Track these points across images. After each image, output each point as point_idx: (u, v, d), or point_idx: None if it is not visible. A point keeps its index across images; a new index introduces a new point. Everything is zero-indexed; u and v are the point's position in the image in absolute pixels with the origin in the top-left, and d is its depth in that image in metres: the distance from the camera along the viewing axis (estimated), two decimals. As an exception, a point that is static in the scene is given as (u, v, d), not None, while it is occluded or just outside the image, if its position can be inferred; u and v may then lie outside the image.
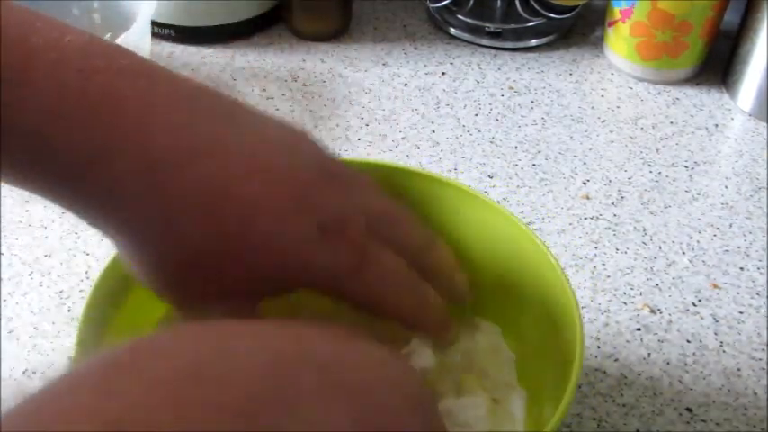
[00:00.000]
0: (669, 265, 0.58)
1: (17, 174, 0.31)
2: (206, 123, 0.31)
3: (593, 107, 0.72)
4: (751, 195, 0.64)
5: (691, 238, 0.60)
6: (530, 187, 0.63)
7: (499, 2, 0.78)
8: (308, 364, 0.26)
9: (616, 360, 0.52)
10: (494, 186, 0.63)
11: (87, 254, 0.56)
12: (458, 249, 0.45)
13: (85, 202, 0.31)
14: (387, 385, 0.28)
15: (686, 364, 0.52)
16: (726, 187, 0.65)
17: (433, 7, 0.79)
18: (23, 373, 0.49)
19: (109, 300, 0.41)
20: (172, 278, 0.32)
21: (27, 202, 0.59)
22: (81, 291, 0.54)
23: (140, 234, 0.31)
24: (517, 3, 0.76)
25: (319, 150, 0.35)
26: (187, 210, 0.30)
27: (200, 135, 0.31)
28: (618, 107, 0.72)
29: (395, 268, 0.35)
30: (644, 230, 0.61)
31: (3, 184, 0.61)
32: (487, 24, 0.77)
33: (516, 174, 0.65)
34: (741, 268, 0.58)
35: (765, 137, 0.69)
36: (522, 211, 0.61)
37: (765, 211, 0.63)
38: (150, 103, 0.30)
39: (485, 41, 0.77)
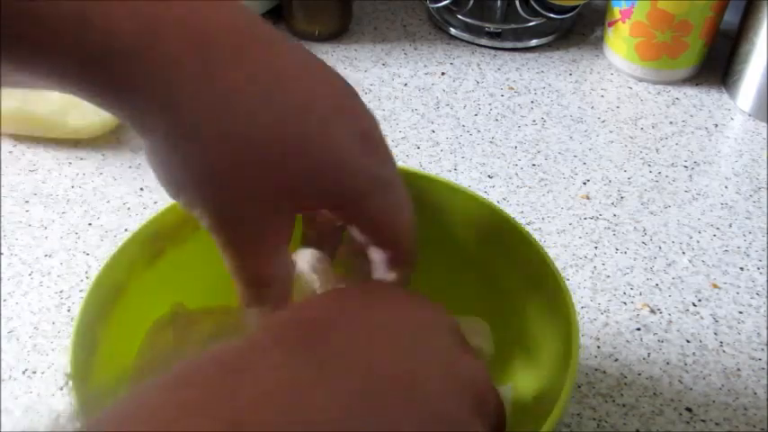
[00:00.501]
0: (669, 264, 0.58)
1: (46, 63, 0.29)
2: (260, 24, 0.32)
3: (592, 107, 0.72)
4: (751, 195, 0.64)
5: (690, 237, 0.60)
6: (529, 187, 0.63)
7: (499, 2, 0.78)
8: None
9: (616, 360, 0.52)
10: (493, 186, 0.63)
11: (87, 254, 0.56)
12: (447, 246, 0.45)
13: (131, 88, 0.29)
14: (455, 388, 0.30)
15: (686, 364, 0.52)
16: (725, 187, 0.65)
17: (432, 7, 0.79)
18: (23, 373, 0.49)
19: (100, 310, 0.40)
20: (210, 174, 0.31)
21: (27, 202, 0.60)
22: (81, 291, 0.54)
23: (187, 121, 0.30)
24: (517, 3, 0.76)
25: (364, 110, 0.36)
26: (241, 96, 0.30)
27: (255, 30, 0.31)
28: (618, 107, 0.72)
29: (407, 198, 0.37)
30: (644, 230, 0.61)
31: (3, 185, 0.61)
32: (487, 24, 0.77)
33: (516, 174, 0.65)
34: (741, 268, 0.58)
35: (765, 137, 0.69)
36: (522, 211, 0.61)
37: (765, 211, 0.63)
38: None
39: (484, 41, 0.77)
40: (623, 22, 0.72)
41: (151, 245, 0.43)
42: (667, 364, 0.52)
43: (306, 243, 0.42)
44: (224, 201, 0.32)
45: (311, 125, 0.32)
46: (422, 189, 0.46)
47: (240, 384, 0.25)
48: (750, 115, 0.71)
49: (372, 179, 0.34)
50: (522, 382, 0.45)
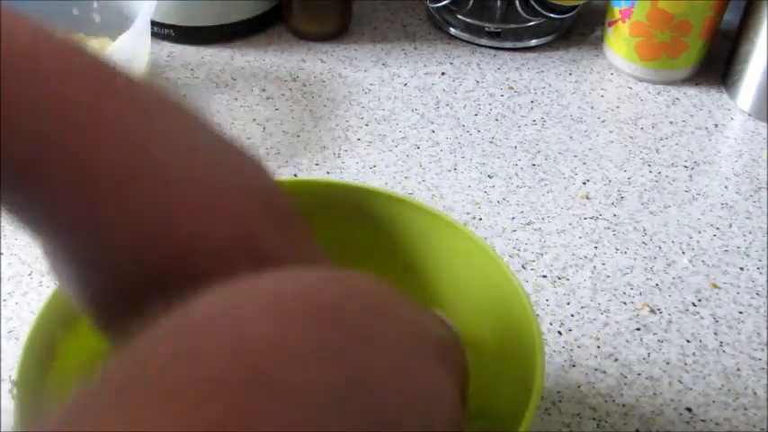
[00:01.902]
0: (669, 264, 0.58)
1: None
2: (157, 141, 0.30)
3: (592, 107, 0.72)
4: (751, 195, 0.64)
5: (690, 237, 0.60)
6: (529, 187, 0.63)
7: (499, 2, 0.78)
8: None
9: (616, 360, 0.52)
10: (493, 186, 0.63)
11: (87, 254, 0.56)
12: (414, 268, 0.44)
13: (21, 205, 0.28)
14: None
15: (686, 364, 0.52)
16: (725, 187, 0.65)
17: (432, 7, 0.79)
18: (23, 373, 0.49)
19: (63, 315, 0.39)
20: (95, 294, 0.30)
21: (27, 202, 0.59)
22: (81, 291, 0.54)
23: (69, 248, 0.29)
24: (517, 3, 0.76)
25: (268, 183, 0.33)
26: (121, 233, 0.28)
27: (147, 153, 0.29)
28: (617, 107, 0.72)
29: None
30: (644, 230, 0.61)
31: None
32: (487, 24, 0.77)
33: (516, 174, 0.65)
34: (741, 268, 0.58)
35: (765, 137, 0.69)
36: (522, 211, 0.61)
37: (765, 211, 0.63)
38: (100, 112, 0.28)
39: (484, 41, 0.77)
40: (623, 22, 0.72)
41: None
42: (667, 364, 0.52)
43: None
44: (103, 319, 0.31)
45: (192, 279, 0.29)
46: (394, 213, 0.45)
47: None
48: (750, 115, 0.71)
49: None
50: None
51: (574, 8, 0.76)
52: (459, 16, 0.78)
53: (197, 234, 0.29)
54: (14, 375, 0.36)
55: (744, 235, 0.61)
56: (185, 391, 0.21)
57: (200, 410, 0.21)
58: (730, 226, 0.61)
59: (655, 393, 0.50)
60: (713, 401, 0.50)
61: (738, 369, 0.52)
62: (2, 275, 0.55)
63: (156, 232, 0.29)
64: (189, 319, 0.24)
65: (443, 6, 0.78)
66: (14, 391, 0.36)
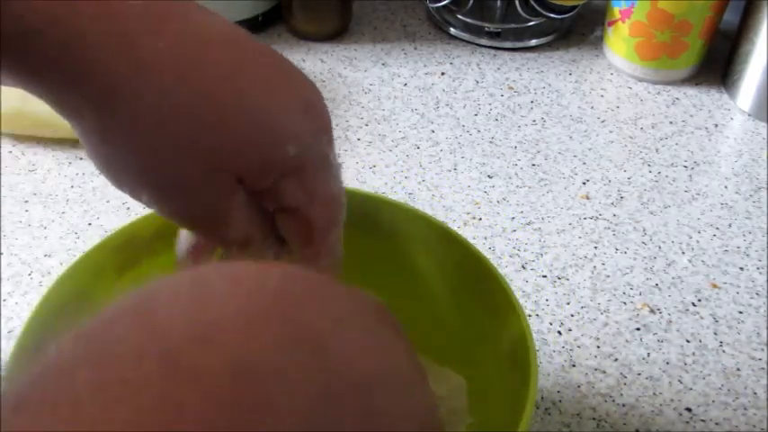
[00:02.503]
0: (669, 264, 0.58)
1: None
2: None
3: (592, 107, 0.72)
4: (750, 195, 0.64)
5: (690, 237, 0.60)
6: (529, 187, 0.63)
7: (499, 2, 0.78)
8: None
9: (616, 360, 0.52)
10: (493, 186, 0.63)
11: (87, 254, 0.56)
12: (409, 272, 0.44)
13: (46, 67, 0.28)
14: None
15: (686, 364, 0.52)
16: (725, 187, 0.65)
17: (432, 7, 0.79)
18: (23, 373, 0.49)
19: (57, 312, 0.39)
20: (140, 150, 0.30)
21: (27, 202, 0.60)
22: (81, 291, 0.54)
23: (108, 95, 0.29)
24: (517, 3, 0.76)
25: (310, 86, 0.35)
26: (165, 63, 0.29)
27: (174, 3, 0.30)
28: (617, 107, 0.72)
29: (340, 182, 0.36)
30: (643, 230, 0.61)
31: (2, 184, 0.62)
32: (487, 24, 0.77)
33: (516, 174, 0.65)
34: (741, 268, 0.58)
35: (765, 137, 0.69)
36: (522, 211, 0.61)
37: (765, 211, 0.63)
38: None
39: (484, 41, 0.77)
40: (623, 22, 0.72)
41: (122, 254, 0.41)
42: (667, 363, 0.52)
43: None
44: (165, 185, 0.31)
45: (244, 93, 0.30)
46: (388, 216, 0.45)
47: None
48: (750, 115, 0.71)
49: (310, 150, 0.32)
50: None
51: (574, 8, 0.76)
52: (459, 16, 0.78)
53: (236, 59, 0.30)
54: (3, 371, 0.36)
55: (744, 235, 0.61)
56: (92, 397, 0.19)
57: (111, 413, 0.18)
58: (730, 226, 0.61)
59: (654, 393, 0.50)
60: (713, 401, 0.50)
61: (738, 369, 0.52)
62: (2, 275, 0.55)
63: (196, 55, 0.29)
64: (97, 318, 0.21)
65: (443, 6, 0.78)
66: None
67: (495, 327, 0.41)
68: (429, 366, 0.45)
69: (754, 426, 0.49)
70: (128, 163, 0.30)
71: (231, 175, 0.31)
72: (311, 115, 0.32)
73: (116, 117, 0.29)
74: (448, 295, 0.45)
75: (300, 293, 0.23)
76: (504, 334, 0.40)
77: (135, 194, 0.31)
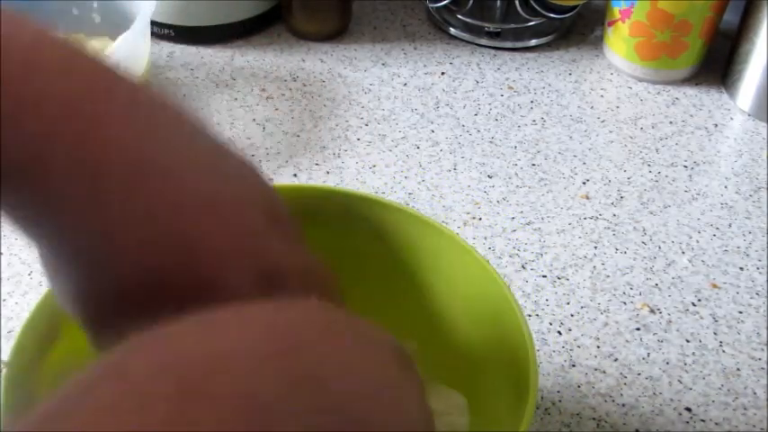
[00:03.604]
0: (669, 264, 0.58)
1: None
2: (161, 143, 0.29)
3: (592, 107, 0.72)
4: (750, 195, 0.64)
5: (690, 237, 0.60)
6: (529, 187, 0.63)
7: (499, 2, 0.78)
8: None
9: (615, 360, 0.52)
10: (493, 186, 0.63)
11: (87, 254, 0.56)
12: (415, 280, 0.44)
13: (21, 203, 0.29)
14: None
15: (686, 364, 0.52)
16: (725, 187, 0.65)
17: (432, 7, 0.79)
18: (23, 372, 0.49)
19: (39, 341, 0.39)
20: (92, 299, 0.30)
21: (27, 201, 0.59)
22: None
23: (70, 248, 0.29)
24: (516, 3, 0.76)
25: (269, 190, 0.33)
26: (126, 234, 0.28)
27: (152, 155, 0.29)
28: (617, 107, 0.72)
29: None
30: (643, 230, 0.61)
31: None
32: (487, 24, 0.77)
33: (516, 173, 0.65)
34: (741, 268, 0.58)
35: (765, 137, 0.69)
36: (522, 211, 0.61)
37: (765, 210, 0.63)
38: (104, 112, 0.28)
39: (484, 41, 0.77)
40: (623, 22, 0.72)
41: None
42: (667, 363, 0.52)
43: None
44: (99, 323, 0.30)
45: (200, 267, 0.29)
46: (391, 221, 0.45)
47: (191, 414, 0.21)
48: (750, 115, 0.71)
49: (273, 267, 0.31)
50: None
51: (574, 8, 0.76)
52: (459, 16, 0.78)
53: (202, 234, 0.29)
54: (7, 356, 0.36)
55: (744, 235, 0.61)
56: (109, 407, 0.21)
57: (124, 422, 0.20)
58: (730, 226, 0.61)
59: (654, 393, 0.50)
60: (713, 401, 0.50)
61: (738, 369, 0.52)
62: (2, 275, 0.55)
63: (160, 230, 0.29)
64: (122, 345, 0.24)
65: (443, 6, 0.78)
66: (3, 371, 0.36)
67: (497, 341, 0.41)
68: (429, 383, 0.45)
69: (754, 426, 0.49)
70: (70, 298, 0.31)
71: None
72: (277, 284, 0.31)
73: (72, 262, 0.30)
74: (452, 307, 0.45)
75: (311, 334, 0.25)
76: (505, 349, 0.40)
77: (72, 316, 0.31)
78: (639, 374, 0.51)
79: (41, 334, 0.38)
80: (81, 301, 0.30)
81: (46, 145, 0.27)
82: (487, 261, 0.42)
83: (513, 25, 0.78)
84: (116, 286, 0.29)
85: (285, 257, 0.32)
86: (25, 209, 0.29)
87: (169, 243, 0.29)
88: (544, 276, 0.57)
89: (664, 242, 0.60)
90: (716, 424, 0.49)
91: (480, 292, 0.42)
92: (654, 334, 0.54)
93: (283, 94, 0.71)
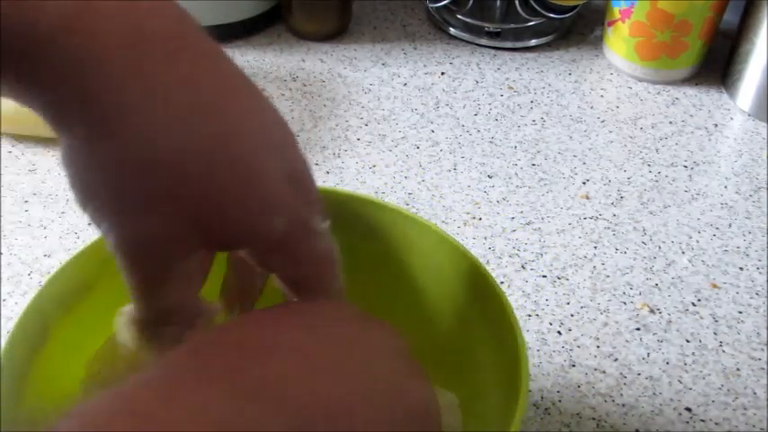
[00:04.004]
0: (668, 264, 0.58)
1: None
2: (197, 36, 0.30)
3: (592, 107, 0.72)
4: (750, 195, 0.64)
5: (690, 237, 0.60)
6: (529, 187, 0.63)
7: (498, 2, 0.78)
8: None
9: (615, 360, 0.52)
10: (493, 186, 0.63)
11: (87, 254, 0.56)
12: (406, 279, 0.44)
13: (45, 77, 0.27)
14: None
15: (686, 364, 0.52)
16: (725, 187, 0.65)
17: (432, 7, 0.79)
18: (23, 372, 0.49)
19: (29, 344, 0.38)
20: (120, 184, 0.29)
21: (27, 202, 0.60)
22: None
23: (105, 120, 0.28)
24: (516, 3, 0.76)
25: (295, 152, 0.35)
26: (169, 109, 0.28)
27: (191, 39, 0.29)
28: (617, 107, 0.72)
29: (335, 250, 0.35)
30: (643, 230, 0.61)
31: (2, 184, 0.62)
32: (487, 24, 0.77)
33: (516, 173, 0.65)
34: (740, 268, 0.58)
35: (765, 137, 0.69)
36: (522, 211, 0.61)
37: (765, 211, 0.63)
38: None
39: (484, 41, 0.77)
40: (623, 22, 0.72)
41: (86, 274, 0.41)
42: (667, 363, 0.52)
43: (225, 291, 0.39)
44: (131, 217, 0.29)
45: (239, 152, 0.29)
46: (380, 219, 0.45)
47: None
48: (750, 115, 0.71)
49: (297, 222, 0.32)
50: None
51: (574, 8, 0.76)
52: (459, 16, 0.78)
53: (241, 113, 0.30)
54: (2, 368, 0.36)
55: (743, 235, 0.61)
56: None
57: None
58: (730, 226, 0.61)
59: (654, 393, 0.50)
60: (713, 401, 0.50)
61: (738, 369, 0.52)
62: (2, 275, 0.55)
63: (205, 103, 0.29)
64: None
65: (443, 6, 0.78)
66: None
67: (490, 341, 0.41)
68: None
69: (754, 426, 0.49)
70: (103, 186, 0.29)
71: (200, 236, 0.30)
72: (299, 186, 0.32)
73: (108, 142, 0.28)
74: (444, 306, 0.45)
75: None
76: (498, 348, 0.40)
77: (95, 219, 0.30)
78: (639, 374, 0.51)
79: (32, 335, 0.38)
80: (110, 189, 0.29)
81: (85, 10, 0.26)
82: (476, 258, 0.42)
83: (513, 25, 0.78)
84: (151, 163, 0.28)
85: (308, 170, 0.34)
86: (68, 83, 0.27)
87: (213, 120, 0.29)
88: (544, 276, 0.57)
89: (664, 242, 0.60)
90: (716, 424, 0.49)
91: (471, 290, 0.42)
92: (654, 334, 0.54)
93: (283, 94, 0.71)
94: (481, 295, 0.41)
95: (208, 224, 0.30)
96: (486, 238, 0.59)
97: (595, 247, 0.59)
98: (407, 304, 0.45)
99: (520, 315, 0.54)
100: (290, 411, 0.26)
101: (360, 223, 0.44)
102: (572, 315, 0.54)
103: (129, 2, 0.27)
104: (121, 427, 0.23)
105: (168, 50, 0.28)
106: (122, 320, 0.35)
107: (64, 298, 0.40)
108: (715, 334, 0.54)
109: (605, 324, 0.54)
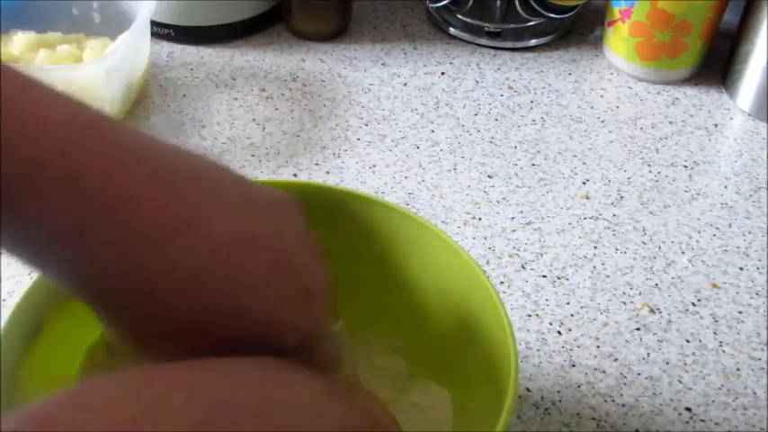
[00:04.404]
0: (668, 264, 0.58)
1: None
2: (188, 195, 0.31)
3: (592, 107, 0.72)
4: (750, 195, 0.64)
5: (690, 237, 0.60)
6: (529, 187, 0.63)
7: (498, 2, 0.78)
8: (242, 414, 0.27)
9: (615, 360, 0.52)
10: (493, 186, 0.63)
11: (87, 254, 0.56)
12: (399, 275, 0.45)
13: (65, 273, 0.30)
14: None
15: (686, 364, 0.52)
16: (725, 187, 0.65)
17: (432, 7, 0.79)
18: (23, 372, 0.49)
19: (22, 340, 0.39)
20: (146, 347, 0.31)
21: (26, 201, 0.59)
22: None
23: (118, 305, 0.30)
24: (516, 2, 0.76)
25: (298, 215, 0.35)
26: (170, 284, 0.30)
27: (182, 208, 0.30)
28: (617, 107, 0.72)
29: (342, 351, 0.36)
30: (643, 230, 0.61)
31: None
32: (487, 24, 0.77)
33: (516, 173, 0.65)
34: (740, 268, 0.58)
35: (765, 137, 0.69)
36: (522, 211, 0.61)
37: (765, 211, 0.63)
38: (133, 176, 0.29)
39: (484, 41, 0.77)
40: (623, 22, 0.72)
41: None
42: (667, 363, 0.52)
43: None
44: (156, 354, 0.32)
45: (246, 300, 0.31)
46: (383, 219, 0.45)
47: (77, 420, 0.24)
48: (750, 115, 0.71)
49: (308, 338, 0.33)
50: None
51: (574, 8, 0.76)
52: (459, 16, 0.78)
53: (240, 265, 0.31)
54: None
55: (743, 235, 0.61)
56: None
57: None
58: (730, 226, 0.61)
59: (654, 393, 0.50)
60: (713, 401, 0.50)
61: (738, 369, 0.52)
62: (2, 275, 0.54)
63: (203, 268, 0.30)
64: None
65: (443, 6, 0.78)
66: None
67: (480, 336, 0.41)
68: (414, 378, 0.45)
69: (754, 426, 0.49)
70: (132, 345, 0.32)
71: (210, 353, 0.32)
72: (311, 304, 0.33)
73: (123, 318, 0.31)
74: (439, 305, 0.45)
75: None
76: (488, 344, 0.40)
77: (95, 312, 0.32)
78: (639, 374, 0.51)
79: (26, 328, 0.39)
80: (134, 344, 0.31)
81: (82, 215, 0.28)
82: (469, 254, 0.42)
83: (513, 25, 0.78)
84: (166, 329, 0.30)
85: (317, 273, 0.33)
86: (73, 280, 0.30)
87: (212, 283, 0.30)
88: (544, 276, 0.57)
89: (664, 242, 0.60)
90: (716, 424, 0.49)
91: (463, 287, 0.43)
92: (654, 334, 0.54)
93: (283, 94, 0.71)
94: (474, 293, 0.42)
95: (219, 350, 0.31)
96: (486, 238, 0.59)
97: (595, 247, 0.59)
98: (404, 302, 0.46)
99: (520, 315, 0.54)
100: (201, 407, 0.27)
101: (349, 221, 0.45)
102: (572, 315, 0.54)
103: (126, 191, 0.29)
104: (60, 410, 0.25)
105: (163, 233, 0.30)
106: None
107: (55, 295, 0.40)
108: (715, 334, 0.54)
109: (605, 324, 0.54)
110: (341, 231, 0.44)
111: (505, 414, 0.35)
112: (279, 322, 0.32)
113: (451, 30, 0.78)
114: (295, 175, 0.63)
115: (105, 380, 0.28)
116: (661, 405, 0.50)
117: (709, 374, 0.52)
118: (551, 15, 0.76)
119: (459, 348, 0.44)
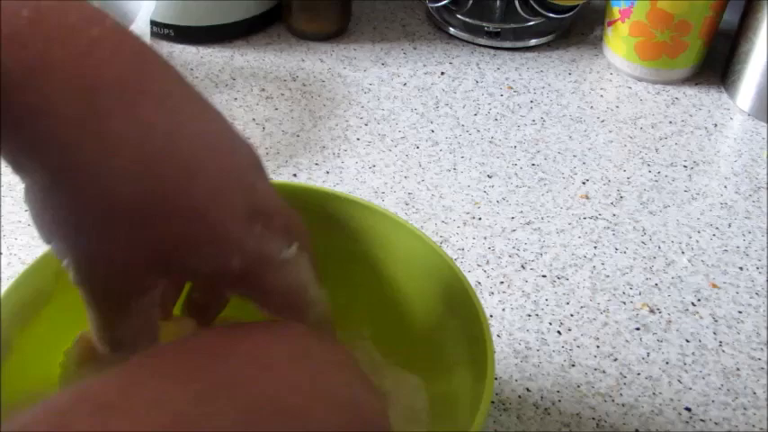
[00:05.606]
0: (668, 264, 0.58)
1: None
2: (155, 78, 0.31)
3: (592, 107, 0.72)
4: (750, 195, 0.64)
5: (690, 237, 0.60)
6: (529, 187, 0.63)
7: (498, 1, 0.78)
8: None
9: (615, 360, 0.52)
10: (493, 186, 0.63)
11: (87, 254, 0.56)
12: (370, 267, 0.45)
13: (15, 136, 0.28)
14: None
15: (685, 364, 0.52)
16: (725, 187, 0.65)
17: (432, 7, 0.79)
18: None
19: (19, 314, 0.39)
20: (80, 225, 0.30)
21: (26, 201, 0.59)
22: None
23: (63, 169, 0.29)
24: (516, 2, 0.76)
25: (252, 149, 0.35)
26: (124, 157, 0.29)
27: (147, 84, 0.30)
28: (617, 107, 0.72)
29: (308, 276, 0.35)
30: (643, 230, 0.61)
31: (2, 184, 0.61)
32: (486, 24, 0.77)
33: (515, 173, 0.65)
34: (740, 268, 0.58)
35: (765, 136, 0.69)
36: (522, 211, 0.61)
37: (765, 210, 0.63)
38: (101, 39, 0.29)
39: (484, 41, 0.77)
40: (623, 22, 0.72)
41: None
42: (666, 363, 0.52)
43: (190, 307, 0.40)
44: (89, 258, 0.31)
45: (195, 193, 0.30)
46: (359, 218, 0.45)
47: (110, 425, 0.24)
48: (749, 115, 0.71)
49: (254, 259, 0.32)
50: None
51: (573, 8, 0.76)
52: (459, 16, 0.78)
53: (198, 156, 0.30)
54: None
55: (743, 235, 0.61)
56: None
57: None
58: (729, 226, 0.61)
59: (654, 393, 0.50)
60: (713, 401, 0.50)
61: (738, 369, 0.52)
62: (2, 275, 0.55)
63: (159, 147, 0.29)
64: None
65: (443, 6, 0.78)
66: None
67: (457, 327, 0.42)
68: (385, 368, 0.45)
69: (754, 426, 0.49)
70: (61, 227, 0.30)
71: (158, 274, 0.31)
72: (260, 217, 0.32)
73: (68, 188, 0.29)
74: (413, 296, 0.45)
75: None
76: (461, 324, 0.41)
77: (57, 255, 0.31)
78: (639, 374, 0.51)
79: (23, 304, 0.40)
80: (70, 230, 0.30)
81: (45, 59, 0.27)
82: (437, 243, 0.43)
83: (512, 25, 0.78)
84: (113, 206, 0.29)
85: (271, 197, 0.33)
86: (24, 133, 0.28)
87: (169, 165, 0.29)
88: (544, 276, 0.57)
89: (663, 242, 0.60)
90: (716, 424, 0.49)
91: (430, 273, 0.43)
92: (654, 334, 0.54)
93: (283, 94, 0.71)
94: (442, 277, 0.42)
95: (166, 264, 0.31)
96: (485, 238, 0.59)
97: (595, 247, 0.59)
98: (372, 294, 0.46)
99: (520, 315, 0.54)
100: (244, 409, 0.27)
101: (321, 216, 0.45)
102: (572, 315, 0.54)
103: (85, 53, 0.28)
104: (80, 414, 0.24)
105: (123, 98, 0.29)
106: (77, 349, 0.38)
107: (44, 287, 0.41)
108: (715, 334, 0.54)
109: (605, 324, 0.54)
110: (311, 227, 0.45)
111: (488, 385, 0.35)
112: (223, 231, 0.31)
113: (451, 30, 0.78)
114: (295, 175, 0.63)
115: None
116: (661, 405, 0.50)
117: (709, 374, 0.52)
118: (551, 15, 0.76)
119: (431, 334, 0.44)
